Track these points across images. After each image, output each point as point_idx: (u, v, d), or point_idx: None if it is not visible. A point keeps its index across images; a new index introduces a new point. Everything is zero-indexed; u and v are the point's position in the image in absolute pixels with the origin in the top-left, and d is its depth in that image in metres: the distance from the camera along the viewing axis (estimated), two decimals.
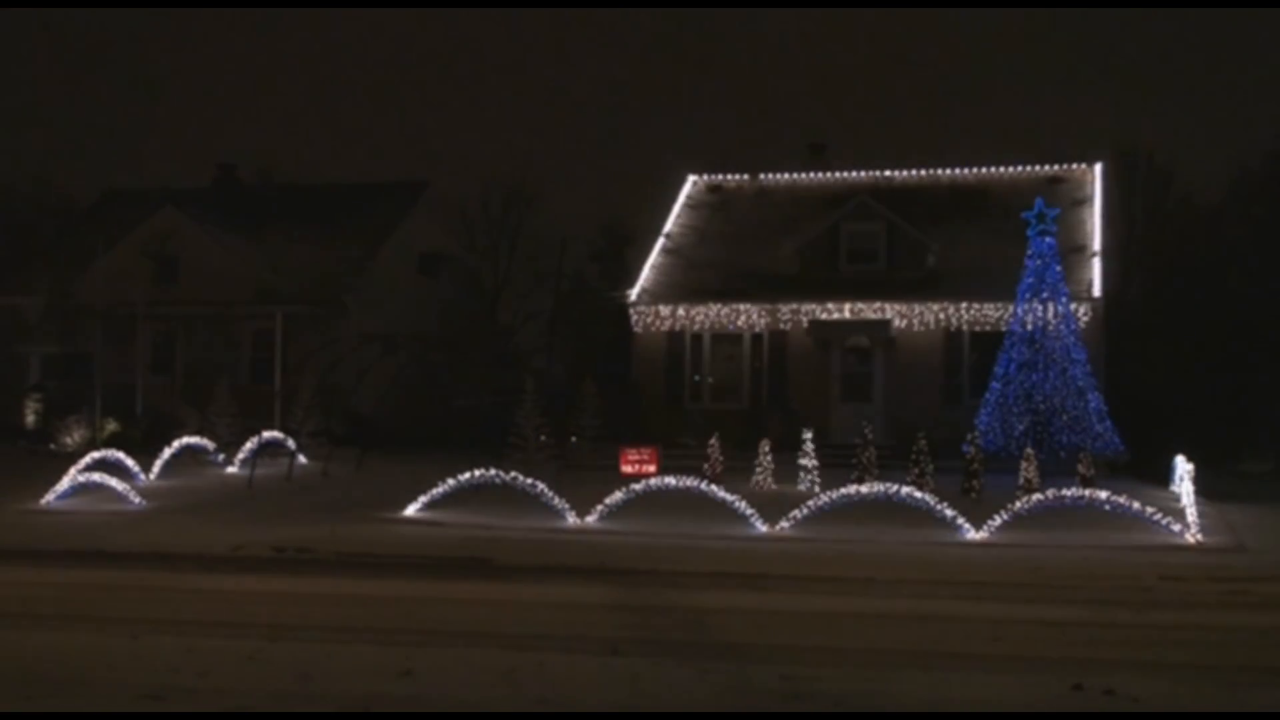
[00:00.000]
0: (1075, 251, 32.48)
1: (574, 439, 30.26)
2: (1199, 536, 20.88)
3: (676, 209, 38.64)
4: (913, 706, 10.10)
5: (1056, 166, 38.52)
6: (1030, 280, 29.09)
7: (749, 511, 22.13)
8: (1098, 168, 37.46)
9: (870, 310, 33.39)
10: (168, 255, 38.37)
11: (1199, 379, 38.88)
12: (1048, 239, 29.27)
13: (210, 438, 31.14)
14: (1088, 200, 35.60)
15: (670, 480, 23.64)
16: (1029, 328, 28.68)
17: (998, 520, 21.29)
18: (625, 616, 14.26)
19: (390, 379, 37.94)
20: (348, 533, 21.20)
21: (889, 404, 33.14)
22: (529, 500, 23.77)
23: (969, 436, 26.71)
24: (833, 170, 39.32)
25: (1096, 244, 34.12)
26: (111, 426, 34.88)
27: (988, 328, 31.80)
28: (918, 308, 33.08)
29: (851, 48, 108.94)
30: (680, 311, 34.56)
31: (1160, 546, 20.20)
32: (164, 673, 10.88)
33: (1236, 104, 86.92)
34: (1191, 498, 22.50)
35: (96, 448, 32.21)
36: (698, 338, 34.69)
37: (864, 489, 23.81)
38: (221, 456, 30.78)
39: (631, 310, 35.40)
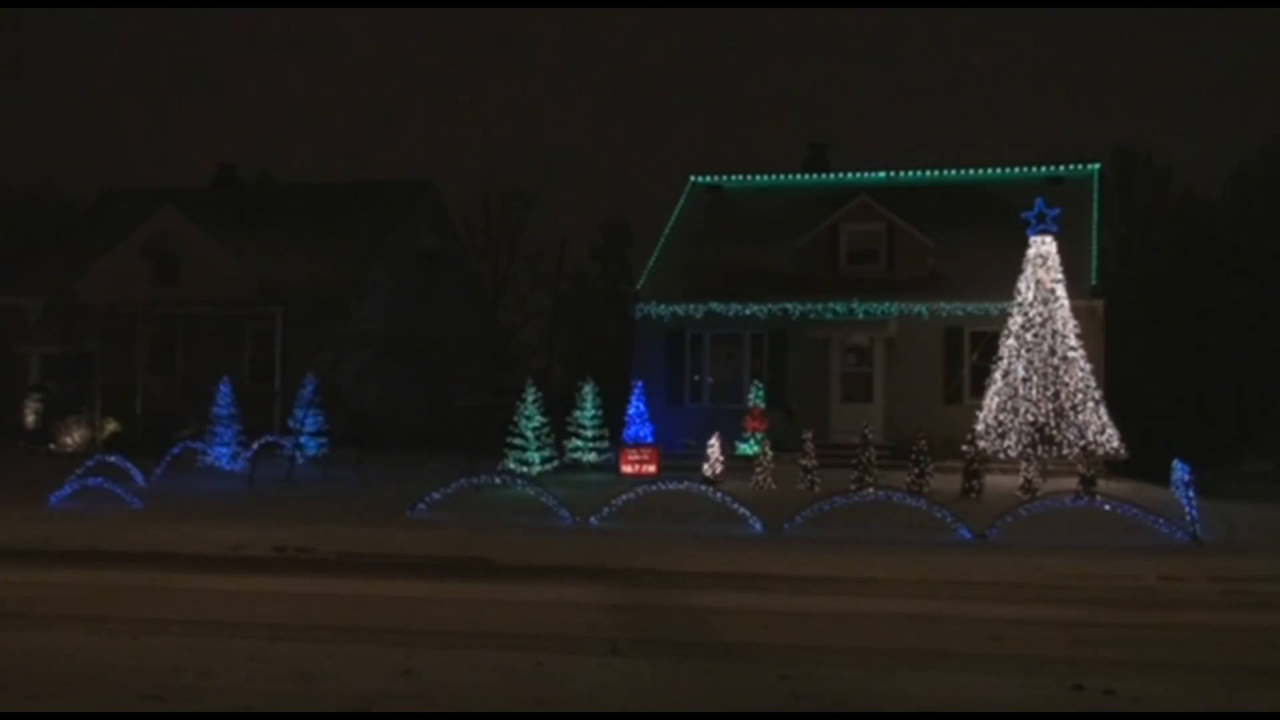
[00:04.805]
0: (1075, 251, 32.44)
1: (574, 439, 30.25)
2: (1199, 536, 20.88)
3: (677, 209, 38.66)
4: (913, 706, 10.10)
5: (1056, 166, 38.53)
6: (1030, 280, 29.08)
7: (748, 512, 22.13)
8: (1097, 167, 37.46)
9: (870, 310, 33.39)
10: (168, 255, 38.38)
11: (1199, 379, 38.92)
12: (1047, 239, 29.26)
13: (210, 438, 31.14)
14: (1087, 200, 35.58)
15: (670, 480, 23.67)
16: (1029, 328, 28.67)
17: (998, 520, 21.28)
18: (625, 616, 14.26)
19: (390, 379, 37.94)
20: (348, 533, 21.20)
21: (889, 404, 33.12)
22: (529, 500, 23.79)
23: (969, 436, 26.70)
24: (833, 170, 39.34)
25: (1096, 244, 34.12)
26: (111, 427, 34.88)
27: (988, 328, 31.75)
28: (918, 308, 33.06)
29: (852, 48, 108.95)
30: (680, 311, 34.55)
31: (1160, 547, 20.19)
32: (164, 673, 10.88)
33: (1236, 103, 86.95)
34: (1191, 498, 22.50)
35: (96, 448, 32.27)
36: (698, 338, 34.69)
37: (864, 490, 23.86)
38: (222, 456, 30.80)
39: (631, 309, 35.40)
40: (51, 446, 33.80)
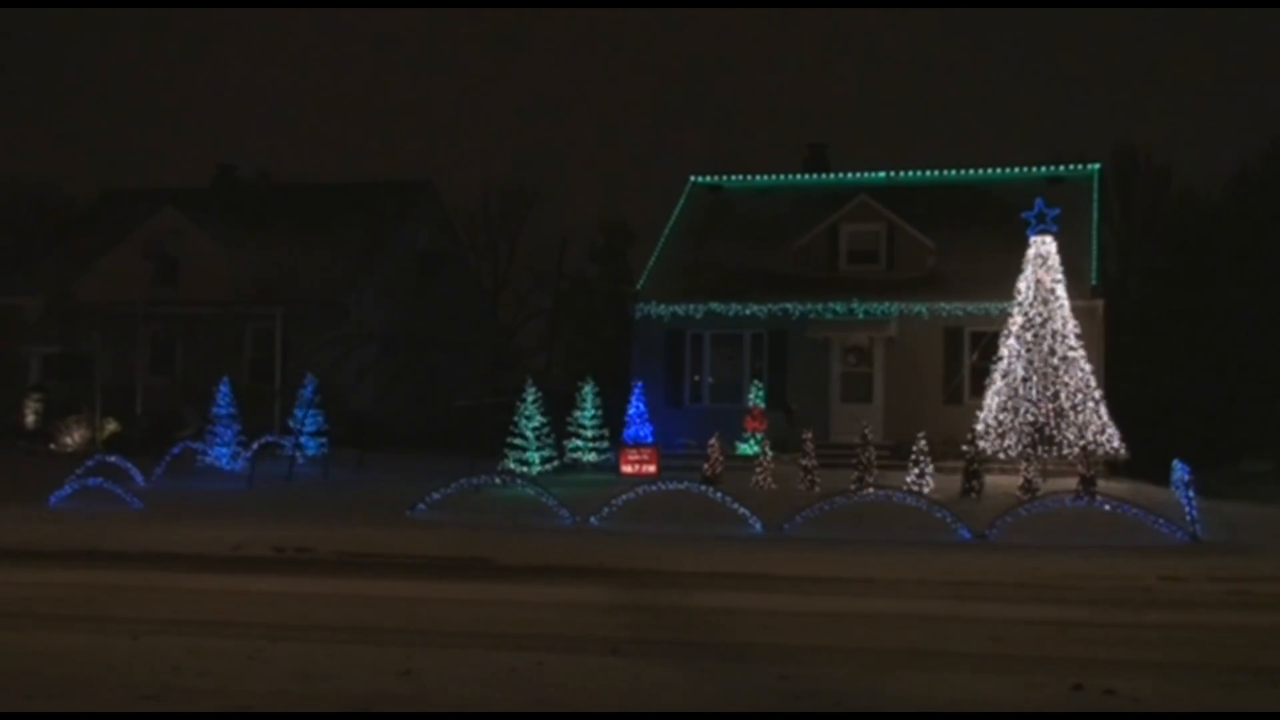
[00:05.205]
0: (1075, 251, 32.44)
1: (574, 439, 30.26)
2: (1199, 536, 20.88)
3: (677, 209, 38.67)
4: (913, 706, 10.10)
5: (1056, 166, 38.52)
6: (1030, 280, 29.08)
7: (748, 512, 22.13)
8: (1097, 167, 37.45)
9: (870, 310, 33.39)
10: (168, 255, 38.39)
11: (1199, 379, 38.91)
12: (1047, 238, 29.26)
13: (210, 438, 31.14)
14: (1087, 200, 35.58)
15: (670, 480, 23.67)
16: (1029, 328, 28.67)
17: (998, 520, 21.28)
18: (625, 616, 14.26)
19: (390, 379, 37.94)
20: (348, 533, 21.20)
21: (889, 404, 33.12)
22: (529, 500, 23.79)
23: (969, 436, 26.69)
24: (833, 170, 39.33)
25: (1096, 244, 34.12)
26: (111, 426, 34.89)
27: (988, 328, 31.76)
28: (918, 308, 33.06)
29: (852, 48, 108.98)
30: (680, 311, 34.56)
31: (1160, 546, 20.19)
32: (164, 673, 10.87)
33: (1236, 103, 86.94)
34: (1191, 498, 22.50)
35: (96, 448, 32.27)
36: (698, 338, 34.69)
37: (864, 489, 23.84)
38: (222, 456, 30.80)
39: (631, 309, 35.42)
40: (51, 446, 33.81)
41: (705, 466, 27.27)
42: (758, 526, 21.88)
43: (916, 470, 25.49)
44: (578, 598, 15.44)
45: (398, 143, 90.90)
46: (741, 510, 22.21)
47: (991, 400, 28.77)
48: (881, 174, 38.08)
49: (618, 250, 52.35)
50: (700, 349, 34.73)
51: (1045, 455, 27.39)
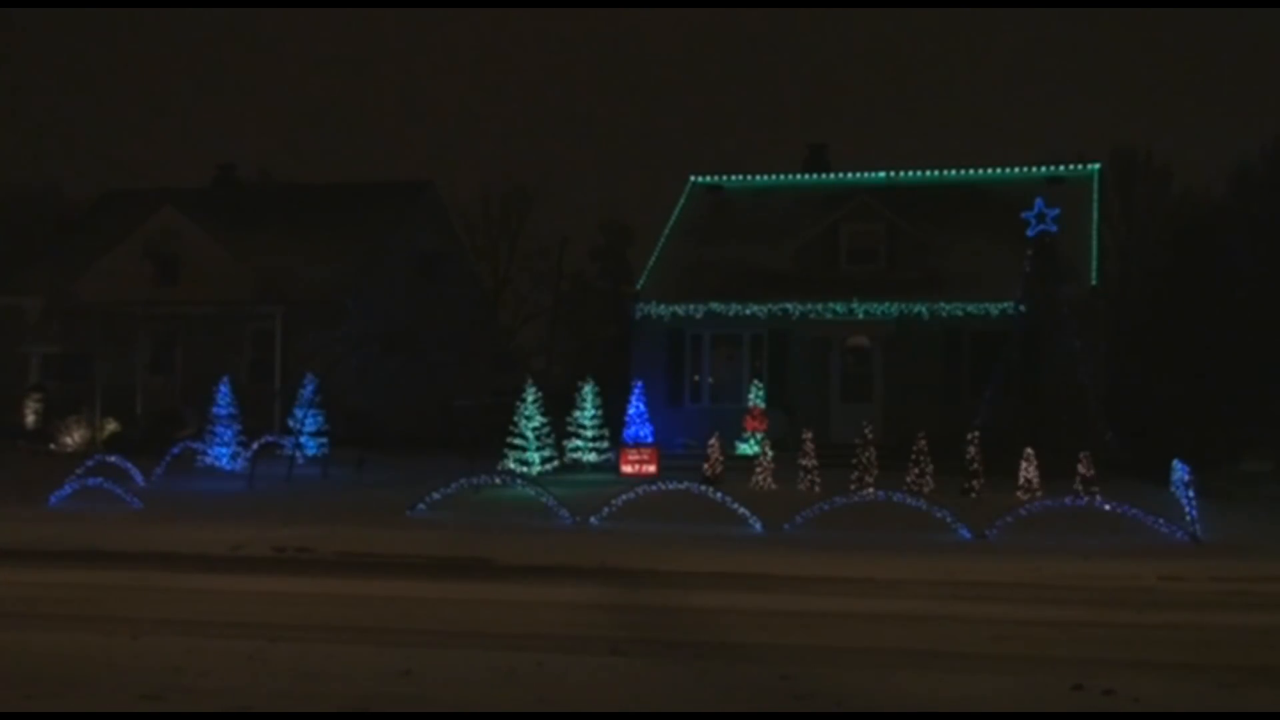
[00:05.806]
0: (1075, 251, 32.45)
1: (574, 439, 30.25)
2: (1199, 537, 20.88)
3: (677, 209, 38.67)
4: (913, 706, 10.10)
5: (1056, 166, 38.52)
6: (1030, 280, 29.10)
7: (748, 512, 22.12)
8: (1097, 167, 37.45)
9: (870, 310, 33.38)
10: (168, 255, 38.42)
11: (1199, 378, 38.88)
12: (1047, 238, 29.28)
13: (210, 438, 31.13)
14: (1087, 200, 35.57)
15: (670, 480, 23.66)
16: (1028, 327, 28.68)
17: (998, 520, 21.28)
18: (625, 616, 14.26)
19: (390, 379, 37.94)
20: (348, 533, 21.19)
21: (889, 404, 33.12)
22: (529, 500, 23.79)
23: (969, 436, 26.70)
24: (833, 170, 39.32)
25: (1096, 244, 34.12)
26: (111, 426, 34.91)
27: (988, 328, 31.77)
28: (918, 308, 33.05)
29: (852, 48, 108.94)
30: (680, 311, 34.55)
31: (1160, 547, 20.18)
32: (164, 673, 10.87)
33: (1236, 103, 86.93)
34: (1191, 498, 22.49)
35: (96, 448, 32.28)
36: (698, 338, 34.69)
37: (865, 490, 23.85)
38: (222, 456, 30.80)
39: (631, 309, 35.42)
40: (51, 446, 33.81)
41: (705, 466, 27.26)
42: (758, 526, 21.87)
43: (916, 470, 25.48)
44: (578, 598, 15.44)
45: (398, 143, 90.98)
46: (741, 510, 22.20)
47: (991, 399, 28.76)
48: (881, 174, 38.06)
49: (618, 250, 52.38)
50: (700, 349, 34.73)
51: (1044, 454, 27.38)
